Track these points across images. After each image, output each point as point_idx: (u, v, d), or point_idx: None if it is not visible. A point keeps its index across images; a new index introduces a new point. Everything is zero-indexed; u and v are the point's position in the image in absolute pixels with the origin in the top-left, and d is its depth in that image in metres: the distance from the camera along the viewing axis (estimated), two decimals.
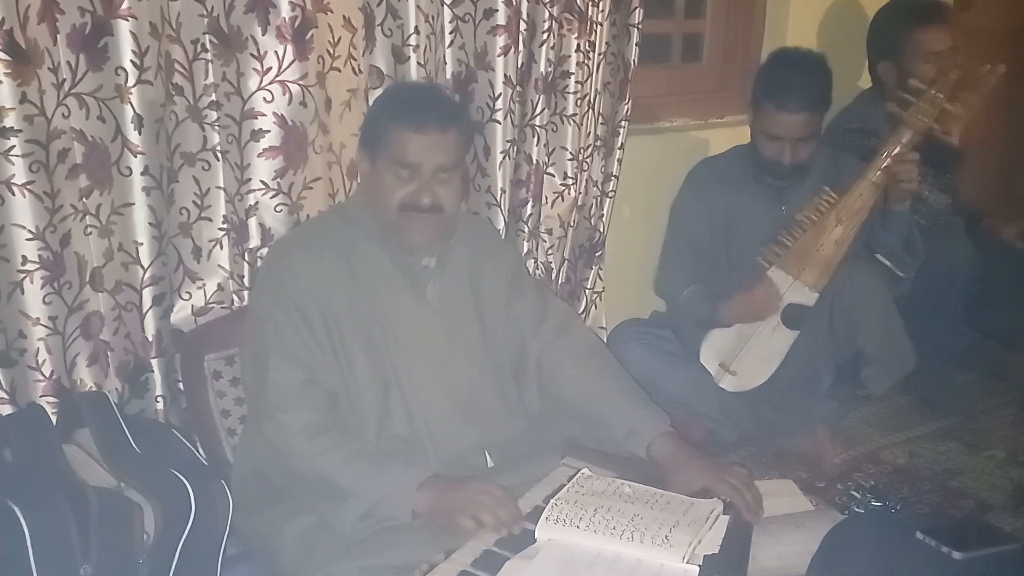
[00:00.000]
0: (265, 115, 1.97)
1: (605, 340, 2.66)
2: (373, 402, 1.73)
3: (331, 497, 1.61)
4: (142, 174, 1.86)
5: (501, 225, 2.40)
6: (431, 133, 1.70)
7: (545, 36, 2.34)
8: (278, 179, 2.02)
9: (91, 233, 1.85)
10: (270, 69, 1.94)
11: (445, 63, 2.27)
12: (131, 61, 1.77)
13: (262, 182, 2.01)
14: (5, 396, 1.77)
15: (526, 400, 1.90)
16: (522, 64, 2.32)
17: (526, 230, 2.49)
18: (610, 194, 2.68)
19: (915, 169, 2.35)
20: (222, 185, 2.02)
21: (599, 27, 2.46)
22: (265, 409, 1.69)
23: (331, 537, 1.58)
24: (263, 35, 1.92)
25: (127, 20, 1.75)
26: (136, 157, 1.84)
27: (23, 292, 1.74)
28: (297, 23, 1.93)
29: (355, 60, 2.10)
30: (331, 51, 2.04)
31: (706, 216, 2.57)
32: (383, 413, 1.74)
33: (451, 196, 1.75)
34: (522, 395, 1.90)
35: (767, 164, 2.45)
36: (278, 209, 2.05)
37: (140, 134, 1.82)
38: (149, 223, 1.90)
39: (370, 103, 2.18)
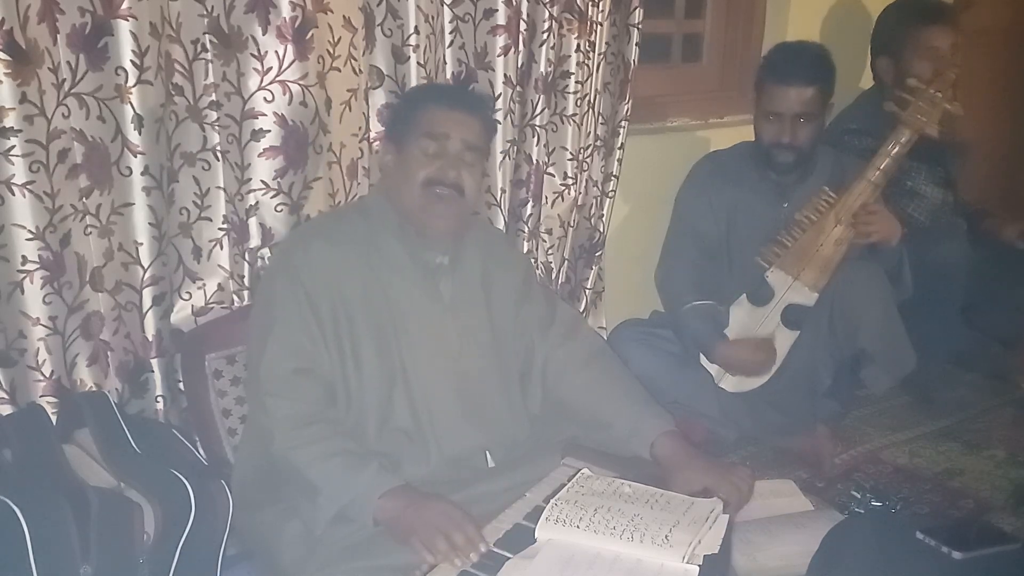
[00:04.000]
0: (265, 115, 1.97)
1: (605, 340, 2.66)
2: (377, 395, 1.73)
3: (305, 494, 1.60)
4: (142, 174, 1.86)
5: (501, 225, 2.40)
6: (461, 111, 1.77)
7: (545, 36, 2.34)
8: (278, 179, 2.02)
9: (91, 233, 1.85)
10: (270, 69, 1.94)
11: (445, 63, 2.27)
12: (131, 61, 1.77)
13: (262, 182, 2.02)
14: (5, 396, 1.77)
15: (529, 402, 1.90)
16: (522, 64, 2.32)
17: (526, 230, 2.49)
18: (610, 194, 2.68)
19: (877, 220, 2.35)
20: (222, 185, 2.02)
21: (599, 27, 2.46)
22: (255, 392, 1.69)
23: (331, 537, 1.58)
24: (263, 35, 1.92)
25: (127, 20, 1.75)
26: (136, 157, 1.84)
27: (23, 292, 1.74)
28: (297, 23, 1.93)
29: (355, 60, 2.10)
30: (331, 51, 2.04)
31: (709, 210, 2.57)
32: (387, 407, 1.73)
33: (472, 182, 1.78)
34: (526, 397, 1.90)
35: (768, 150, 2.45)
36: (278, 209, 2.05)
37: (140, 134, 1.82)
38: (149, 223, 1.90)
39: (371, 103, 2.18)
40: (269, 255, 2.06)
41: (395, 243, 1.79)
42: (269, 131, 1.98)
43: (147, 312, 1.94)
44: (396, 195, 1.79)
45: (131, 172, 1.85)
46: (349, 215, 1.87)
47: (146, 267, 1.92)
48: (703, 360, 2.48)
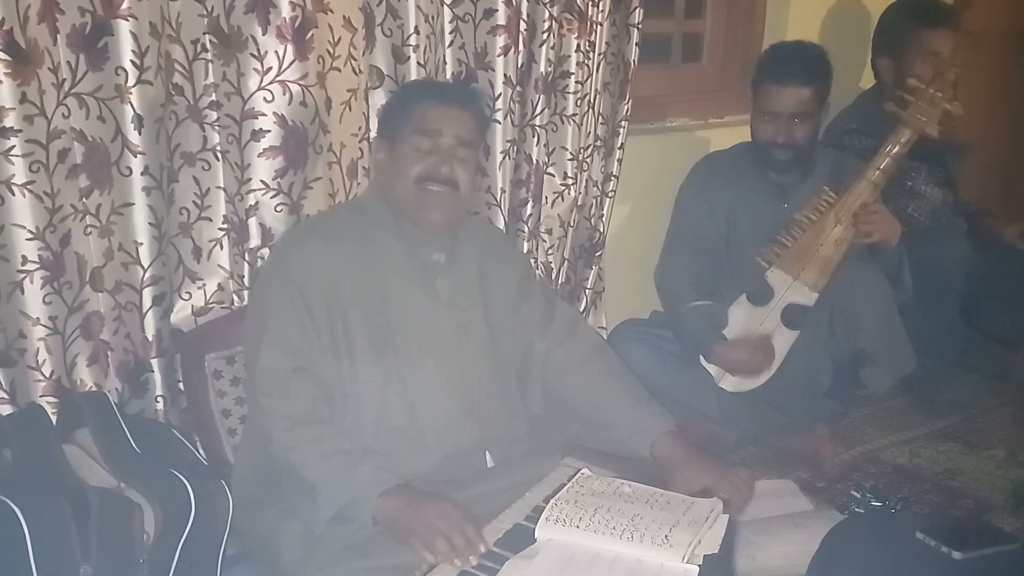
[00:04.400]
0: (265, 115, 1.97)
1: (605, 340, 2.66)
2: (373, 394, 1.72)
3: (304, 494, 1.60)
4: (142, 174, 1.86)
5: (501, 225, 2.40)
6: (453, 106, 1.78)
7: (545, 36, 2.34)
8: (278, 179, 2.02)
9: (91, 233, 1.85)
10: (270, 69, 1.94)
11: (445, 63, 2.27)
12: (131, 61, 1.77)
13: (262, 182, 2.01)
14: (5, 396, 1.77)
15: (529, 401, 1.90)
16: (522, 64, 2.32)
17: (526, 230, 2.49)
18: (610, 194, 2.68)
19: (877, 220, 2.35)
20: (222, 185, 2.02)
21: (599, 27, 2.46)
22: (251, 392, 1.69)
23: (331, 537, 1.58)
24: (263, 35, 1.92)
25: (127, 20, 1.75)
26: (136, 157, 1.84)
27: (23, 292, 1.74)
28: (297, 23, 1.93)
29: (355, 60, 2.10)
30: (331, 51, 2.04)
31: (709, 210, 2.58)
32: (383, 405, 1.73)
33: (466, 176, 1.77)
34: (526, 396, 1.90)
35: (765, 149, 2.45)
36: (278, 209, 2.05)
37: (140, 134, 1.82)
38: (149, 223, 1.90)
39: (371, 103, 2.18)
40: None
41: (391, 240, 1.78)
42: (269, 131, 1.98)
43: (147, 312, 1.94)
44: (390, 192, 1.79)
45: (131, 172, 1.85)
46: (344, 213, 1.88)
47: (146, 267, 1.92)
48: (703, 360, 2.48)
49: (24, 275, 1.73)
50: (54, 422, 1.77)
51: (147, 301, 1.94)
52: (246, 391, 1.87)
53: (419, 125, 1.75)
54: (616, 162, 2.66)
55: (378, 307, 1.75)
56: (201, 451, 1.91)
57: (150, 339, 1.96)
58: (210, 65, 1.93)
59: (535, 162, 2.45)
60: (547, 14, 2.32)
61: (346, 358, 1.71)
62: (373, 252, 1.77)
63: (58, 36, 1.71)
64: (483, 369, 1.83)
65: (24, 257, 1.72)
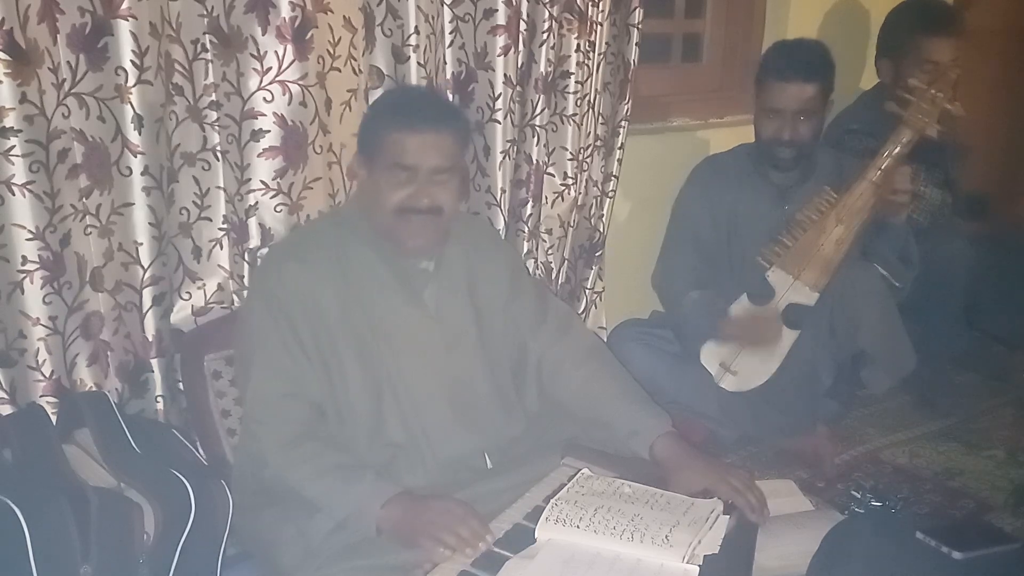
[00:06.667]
0: (265, 115, 1.97)
1: (605, 340, 2.66)
2: (366, 409, 1.72)
3: (304, 510, 1.60)
4: (142, 174, 1.86)
5: (501, 225, 2.40)
6: (426, 133, 1.69)
7: (545, 36, 2.34)
8: (278, 179, 2.02)
9: (91, 233, 1.85)
10: (270, 69, 1.94)
11: (445, 63, 2.27)
12: (131, 61, 1.78)
13: (262, 182, 2.01)
14: (5, 396, 1.77)
15: (526, 401, 1.89)
16: (522, 64, 2.31)
17: (526, 230, 2.49)
18: (610, 194, 2.68)
19: (908, 180, 2.35)
20: (222, 185, 2.02)
21: (599, 27, 2.46)
22: (245, 419, 1.70)
23: (331, 537, 1.58)
24: (263, 35, 1.92)
25: (127, 20, 1.75)
26: (136, 157, 1.84)
27: (23, 292, 1.74)
28: (297, 23, 1.93)
29: (355, 60, 2.10)
30: (331, 51, 2.04)
31: (709, 213, 2.57)
32: (377, 420, 1.73)
33: (449, 197, 1.74)
34: (522, 396, 1.89)
35: (769, 147, 2.45)
36: (278, 209, 2.05)
37: (140, 134, 1.83)
38: (149, 223, 1.90)
39: (370, 104, 2.18)
40: None
41: (373, 255, 1.76)
42: (269, 131, 1.98)
43: (147, 312, 1.94)
44: (371, 214, 1.76)
45: (131, 172, 1.85)
46: (323, 229, 1.85)
47: (146, 267, 1.92)
48: (703, 360, 2.47)
49: (24, 275, 1.73)
50: (54, 422, 1.77)
51: (147, 301, 1.94)
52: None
53: (395, 158, 1.68)
54: (616, 162, 2.66)
55: (364, 323, 1.73)
56: (201, 451, 1.91)
57: (150, 339, 1.96)
58: (210, 65, 1.93)
59: (535, 162, 2.45)
60: (547, 14, 2.32)
61: (336, 376, 1.71)
62: (355, 267, 1.75)
63: (58, 36, 1.71)
64: (477, 373, 1.83)
65: (24, 257, 1.72)
